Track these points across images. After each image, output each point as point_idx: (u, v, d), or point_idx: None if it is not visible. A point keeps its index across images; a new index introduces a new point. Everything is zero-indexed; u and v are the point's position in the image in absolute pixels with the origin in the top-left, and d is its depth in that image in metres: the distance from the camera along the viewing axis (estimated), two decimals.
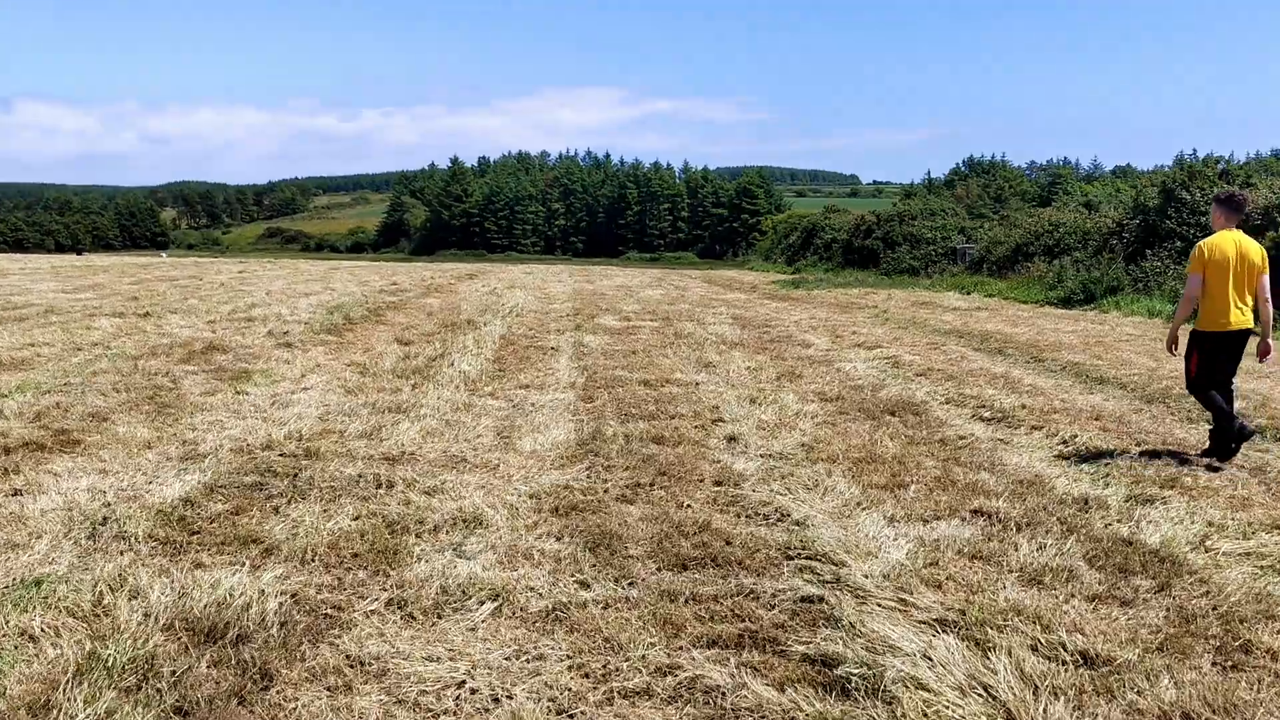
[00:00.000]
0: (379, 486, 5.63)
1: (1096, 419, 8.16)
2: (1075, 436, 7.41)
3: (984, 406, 8.72)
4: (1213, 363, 6.65)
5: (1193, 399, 7.41)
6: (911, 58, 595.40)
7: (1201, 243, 6.67)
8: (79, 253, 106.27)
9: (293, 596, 3.96)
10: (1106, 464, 6.61)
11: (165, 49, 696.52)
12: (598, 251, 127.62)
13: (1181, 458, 6.75)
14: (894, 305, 21.38)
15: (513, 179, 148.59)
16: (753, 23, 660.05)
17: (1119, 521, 5.26)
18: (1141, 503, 5.63)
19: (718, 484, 5.89)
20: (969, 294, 25.29)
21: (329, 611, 3.87)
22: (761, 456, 6.61)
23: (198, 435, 6.89)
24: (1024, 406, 8.67)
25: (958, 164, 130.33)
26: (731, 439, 7.10)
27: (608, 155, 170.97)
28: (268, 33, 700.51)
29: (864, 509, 5.40)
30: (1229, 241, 6.56)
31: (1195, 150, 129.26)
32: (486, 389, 8.98)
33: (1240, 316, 6.57)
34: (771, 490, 5.71)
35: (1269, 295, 6.72)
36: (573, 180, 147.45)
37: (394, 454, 6.41)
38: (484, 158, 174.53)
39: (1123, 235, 21.70)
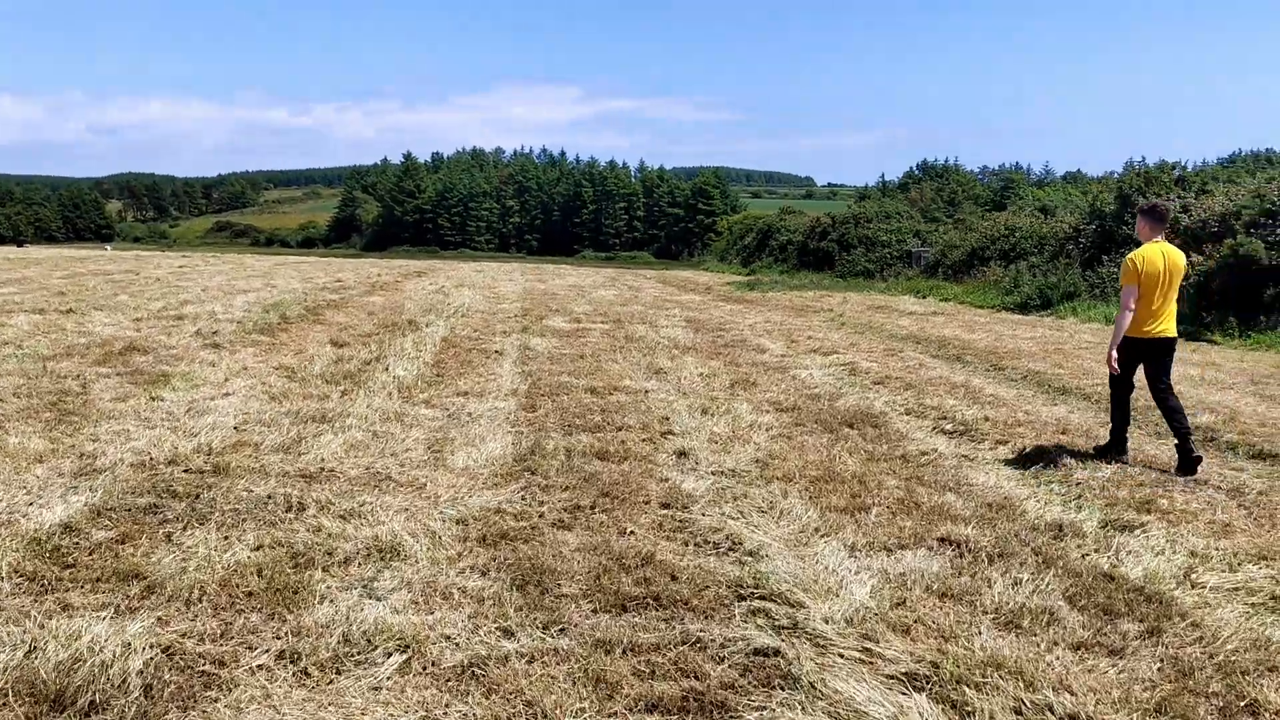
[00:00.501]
0: (290, 509, 5.07)
1: (1063, 433, 7.81)
2: (1043, 452, 7.04)
3: (945, 418, 8.34)
4: (1132, 366, 6.79)
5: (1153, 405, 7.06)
6: (868, 61, 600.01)
7: (1132, 255, 6.72)
8: (19, 244, 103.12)
9: (165, 650, 3.41)
10: (1078, 483, 6.24)
11: (114, 38, 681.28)
12: (553, 250, 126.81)
13: (1155, 477, 6.41)
14: (849, 309, 21.09)
15: (467, 175, 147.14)
16: (712, 23, 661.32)
17: (1097, 552, 4.86)
18: (1119, 529, 5.25)
19: (665, 506, 5.40)
20: (925, 298, 25.12)
21: (208, 668, 3.32)
22: (713, 474, 6.15)
23: (98, 447, 6.26)
24: (987, 419, 8.30)
25: (911, 167, 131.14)
26: (681, 454, 6.62)
27: (563, 153, 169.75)
28: (219, 23, 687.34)
29: (823, 536, 4.95)
30: (1157, 253, 6.65)
31: (1145, 157, 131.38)
32: (421, 396, 8.42)
33: (1167, 325, 6.69)
34: (723, 514, 5.24)
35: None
36: (528, 178, 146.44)
37: (312, 470, 5.84)
38: (438, 154, 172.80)
39: (1079, 240, 21.59)
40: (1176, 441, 6.63)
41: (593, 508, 5.28)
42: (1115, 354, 6.62)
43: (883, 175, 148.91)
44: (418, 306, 17.04)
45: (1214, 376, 10.81)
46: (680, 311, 19.23)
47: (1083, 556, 4.78)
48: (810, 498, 5.65)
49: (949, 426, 8.04)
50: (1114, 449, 6.93)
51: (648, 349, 12.35)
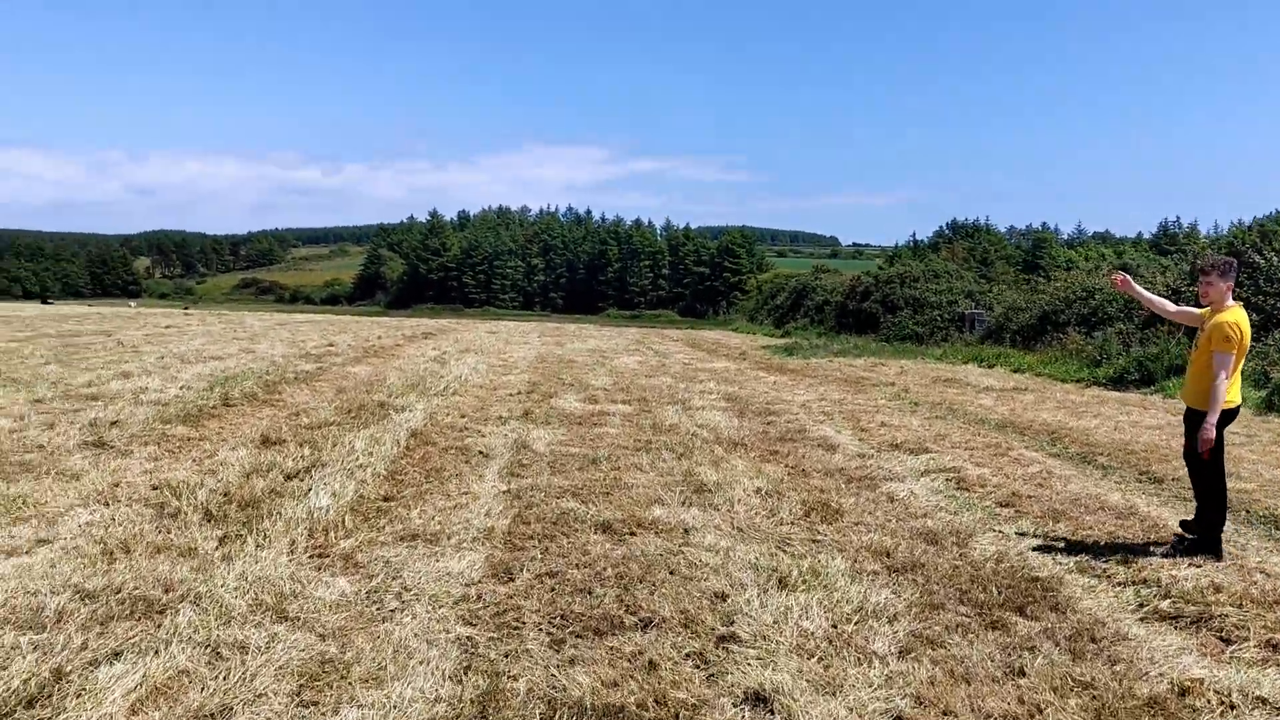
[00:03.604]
0: None
1: None
2: None
3: (1148, 582, 5.37)
4: (1223, 441, 6.22)
5: None
6: (889, 121, 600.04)
7: (1230, 319, 6.07)
8: (45, 301, 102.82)
9: None
10: None
11: (152, 99, 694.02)
12: (577, 307, 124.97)
13: None
14: (912, 382, 18.09)
15: (492, 234, 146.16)
16: (734, 85, 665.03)
17: None
18: None
19: None
20: (992, 367, 22.09)
21: None
22: None
23: None
24: (1216, 588, 5.31)
25: (941, 226, 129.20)
26: (759, 700, 3.66)
27: (589, 211, 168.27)
28: (253, 85, 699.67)
29: None
30: (1245, 316, 6.17)
31: (1179, 217, 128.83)
32: (343, 545, 5.50)
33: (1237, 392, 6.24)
34: None
35: None
36: (553, 236, 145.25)
37: None
38: (464, 212, 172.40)
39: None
40: (1196, 520, 6.21)
41: None
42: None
43: (913, 234, 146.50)
44: (402, 380, 14.18)
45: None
46: (716, 385, 16.28)
47: None
48: None
49: (1167, 606, 5.04)
50: (1209, 547, 6.03)
51: (683, 446, 9.42)
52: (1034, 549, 6.14)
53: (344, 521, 5.92)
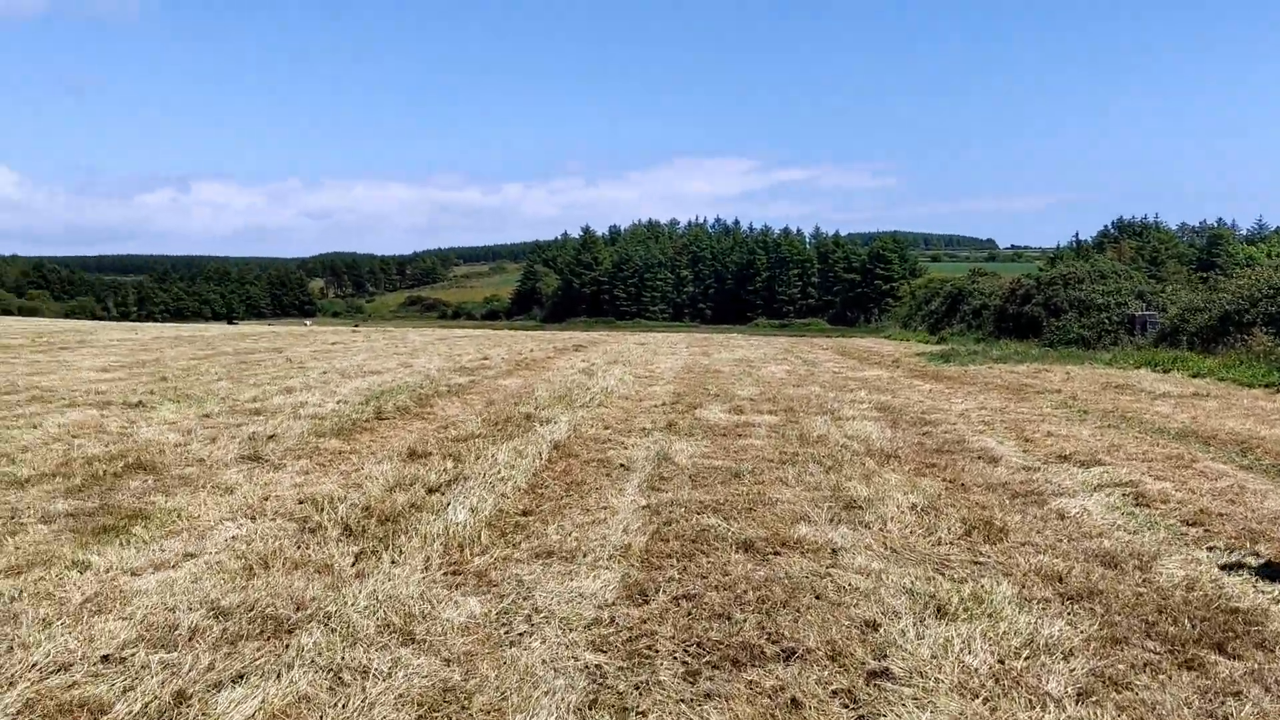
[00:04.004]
0: None
1: None
2: None
3: None
4: None
5: None
6: (1044, 120, 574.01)
7: None
8: (230, 321, 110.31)
9: None
10: None
11: (328, 129, 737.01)
12: (726, 318, 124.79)
13: None
14: (1080, 389, 16.96)
15: (642, 247, 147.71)
16: (883, 91, 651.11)
17: None
18: None
19: None
20: (1167, 372, 20.53)
21: None
22: None
23: None
24: None
25: (1106, 226, 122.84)
26: None
27: (736, 222, 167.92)
28: (418, 112, 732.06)
29: None
30: None
31: None
32: (477, 563, 5.38)
33: None
34: None
35: None
36: (702, 248, 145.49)
37: None
38: (615, 226, 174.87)
39: None
40: None
41: None
42: None
43: (1076, 234, 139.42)
44: (550, 392, 14.22)
45: None
46: (867, 394, 15.65)
47: None
48: None
49: None
50: None
51: (831, 459, 8.98)
52: (1230, 574, 5.47)
53: (480, 537, 5.81)
